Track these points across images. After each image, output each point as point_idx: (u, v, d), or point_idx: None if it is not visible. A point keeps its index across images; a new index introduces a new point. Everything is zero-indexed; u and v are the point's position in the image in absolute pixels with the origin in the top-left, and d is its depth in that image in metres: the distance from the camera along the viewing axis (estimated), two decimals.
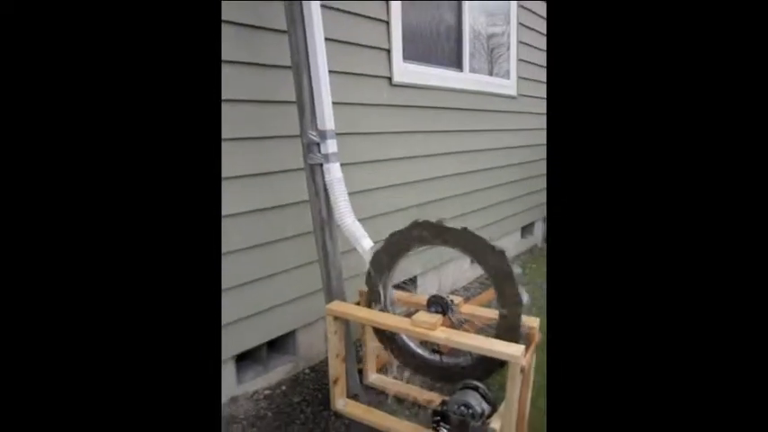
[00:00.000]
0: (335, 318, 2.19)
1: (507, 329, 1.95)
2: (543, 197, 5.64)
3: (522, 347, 1.79)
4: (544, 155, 5.50)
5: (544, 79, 5.24)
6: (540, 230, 5.78)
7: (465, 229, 1.97)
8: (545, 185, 5.64)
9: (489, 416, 1.89)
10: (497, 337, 1.94)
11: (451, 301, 2.13)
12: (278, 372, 2.63)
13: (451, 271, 4.05)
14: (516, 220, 5.03)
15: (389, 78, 3.04)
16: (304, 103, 2.11)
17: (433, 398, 2.31)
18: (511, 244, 5.00)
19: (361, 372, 2.53)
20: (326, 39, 2.13)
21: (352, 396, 2.41)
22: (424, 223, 2.06)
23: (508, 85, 4.48)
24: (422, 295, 2.27)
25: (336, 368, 2.25)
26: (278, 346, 2.73)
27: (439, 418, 1.91)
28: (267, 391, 2.52)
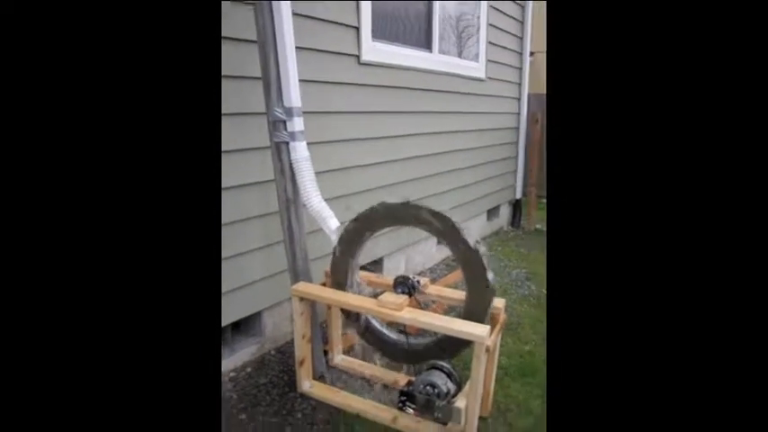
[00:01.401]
0: (301, 299, 2.17)
1: (473, 310, 1.97)
2: (509, 180, 5.71)
3: (487, 328, 1.81)
4: (511, 138, 5.55)
5: (513, 63, 5.27)
6: (505, 214, 5.85)
7: (436, 211, 1.96)
8: (512, 169, 5.70)
9: (455, 395, 1.91)
10: (463, 317, 1.96)
11: (418, 281, 2.13)
12: (243, 353, 2.59)
13: (418, 252, 4.07)
14: (483, 202, 5.07)
15: (358, 57, 2.99)
16: (270, 80, 2.05)
17: (399, 378, 2.32)
18: (477, 226, 5.05)
19: (326, 353, 2.52)
20: (294, 14, 2.06)
21: (318, 377, 2.40)
22: (390, 204, 2.04)
23: (477, 68, 4.47)
24: (388, 276, 2.26)
25: (302, 349, 2.24)
26: (243, 327, 2.69)
27: (405, 398, 1.91)
28: (232, 374, 2.48)
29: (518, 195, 5.91)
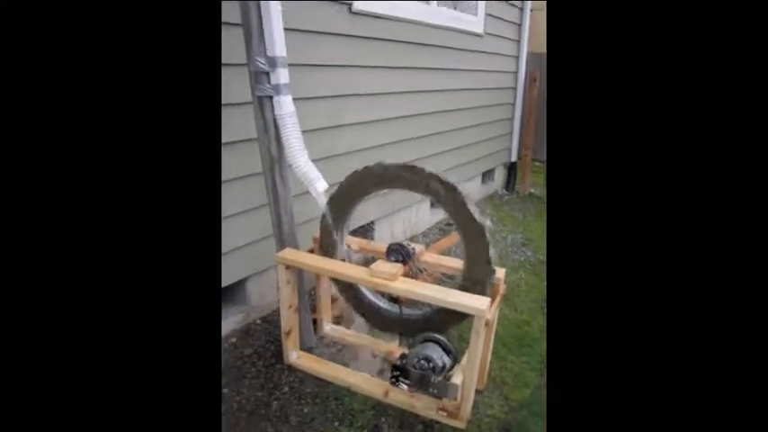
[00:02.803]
0: (287, 267, 2.02)
1: (473, 281, 1.84)
2: (505, 142, 5.54)
3: (487, 300, 1.68)
4: (508, 99, 5.35)
5: (512, 19, 5.01)
6: (500, 177, 5.70)
7: (441, 177, 1.81)
8: (508, 131, 5.52)
9: (450, 369, 1.80)
10: (461, 288, 1.83)
11: (413, 249, 1.99)
12: (228, 323, 2.46)
13: (411, 216, 3.92)
14: (478, 165, 4.91)
15: (349, 5, 2.76)
16: (251, 26, 1.83)
17: (392, 350, 2.21)
18: (472, 190, 4.90)
19: (315, 323, 2.39)
20: None
21: (306, 348, 2.28)
22: (386, 166, 1.89)
23: (475, 22, 4.23)
24: (381, 243, 2.12)
25: (289, 319, 2.11)
26: (227, 295, 2.56)
27: (398, 373, 1.80)
28: None
29: (513, 158, 5.75)
